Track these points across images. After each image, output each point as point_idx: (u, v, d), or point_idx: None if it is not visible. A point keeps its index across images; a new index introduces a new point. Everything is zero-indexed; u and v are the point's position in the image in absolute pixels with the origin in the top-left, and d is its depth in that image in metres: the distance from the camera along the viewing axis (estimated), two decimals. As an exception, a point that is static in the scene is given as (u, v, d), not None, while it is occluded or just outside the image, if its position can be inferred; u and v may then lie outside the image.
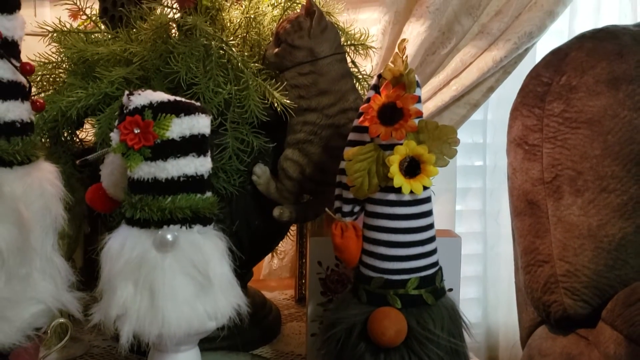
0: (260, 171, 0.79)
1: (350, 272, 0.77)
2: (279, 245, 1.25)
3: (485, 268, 1.52)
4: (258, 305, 0.93)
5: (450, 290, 0.73)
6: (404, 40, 0.62)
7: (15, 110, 0.55)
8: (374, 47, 0.87)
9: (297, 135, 0.76)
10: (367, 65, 0.95)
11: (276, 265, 1.33)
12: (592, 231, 1.04)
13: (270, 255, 1.28)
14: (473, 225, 1.51)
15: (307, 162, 0.76)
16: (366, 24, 1.20)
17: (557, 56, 1.16)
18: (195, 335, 0.61)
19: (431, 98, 1.27)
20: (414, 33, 1.23)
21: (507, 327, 1.50)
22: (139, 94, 0.59)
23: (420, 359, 0.60)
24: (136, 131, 0.58)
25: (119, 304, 0.57)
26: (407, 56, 0.61)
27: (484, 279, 1.53)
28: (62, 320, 0.78)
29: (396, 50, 0.61)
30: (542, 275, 1.10)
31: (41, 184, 0.56)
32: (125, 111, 0.59)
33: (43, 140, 0.77)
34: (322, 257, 0.77)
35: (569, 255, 1.06)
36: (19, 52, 0.56)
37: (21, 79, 0.56)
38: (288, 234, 0.96)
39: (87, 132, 0.89)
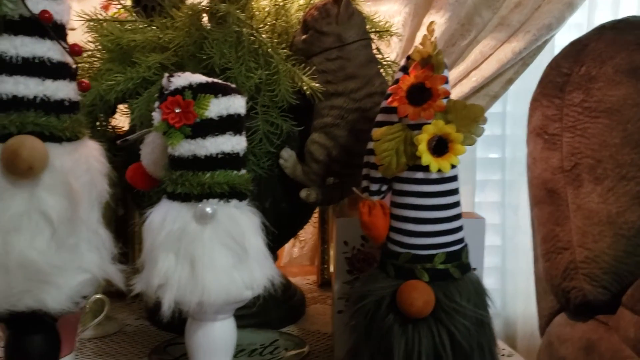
0: (287, 155, 0.81)
1: (375, 251, 0.80)
2: (301, 234, 1.28)
3: (504, 259, 1.54)
4: (284, 285, 0.95)
5: (474, 269, 0.74)
6: (432, 22, 0.64)
7: (64, 90, 0.58)
8: (399, 34, 0.90)
9: (324, 119, 0.79)
10: (388, 55, 0.97)
11: (296, 253, 1.35)
12: (611, 218, 1.05)
13: (291, 243, 1.31)
14: (492, 217, 1.53)
15: (333, 145, 0.79)
16: (386, 16, 1.22)
17: (577, 47, 1.18)
18: (233, 304, 0.64)
19: (451, 89, 1.29)
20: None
21: (525, 318, 1.52)
22: (179, 76, 0.62)
23: (447, 329, 0.62)
24: (177, 110, 0.61)
25: (160, 274, 0.59)
26: (435, 38, 0.63)
27: (503, 270, 1.54)
28: (99, 295, 0.82)
29: (425, 32, 0.63)
30: (561, 262, 1.12)
31: (87, 159, 0.60)
32: (165, 92, 0.62)
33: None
34: (348, 237, 0.79)
35: (589, 242, 1.08)
36: (66, 34, 0.60)
37: (69, 60, 0.59)
38: (311, 220, 0.99)
39: (119, 120, 0.92)
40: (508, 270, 1.54)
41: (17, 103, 0.55)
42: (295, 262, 1.33)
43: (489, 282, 1.54)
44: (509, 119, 1.50)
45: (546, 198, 1.16)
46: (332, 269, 1.11)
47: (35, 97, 0.56)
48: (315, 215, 1.11)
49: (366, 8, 0.91)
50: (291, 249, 1.33)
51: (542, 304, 1.28)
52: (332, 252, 1.10)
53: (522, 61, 1.34)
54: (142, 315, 0.96)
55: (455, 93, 1.30)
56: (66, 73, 0.58)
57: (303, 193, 0.80)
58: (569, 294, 1.11)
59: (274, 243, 0.70)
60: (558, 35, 1.34)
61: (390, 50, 1.09)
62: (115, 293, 0.86)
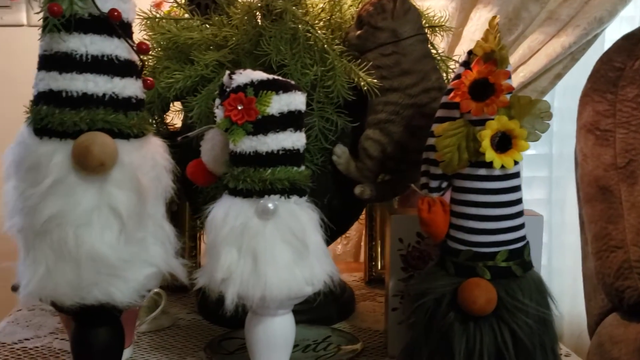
0: (340, 151, 0.81)
1: (431, 249, 0.79)
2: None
3: (550, 257, 1.52)
4: (339, 284, 0.95)
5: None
6: (495, 17, 0.63)
7: (131, 87, 0.59)
8: (452, 29, 0.89)
9: (379, 116, 0.78)
10: (442, 50, 0.97)
11: (340, 250, 1.36)
12: (668, 216, 1.03)
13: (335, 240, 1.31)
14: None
15: (388, 142, 0.78)
16: (432, 11, 1.21)
17: (630, 41, 1.15)
18: (293, 300, 0.64)
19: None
20: (482, 20, 1.23)
21: (572, 317, 1.49)
22: (241, 73, 0.63)
23: (509, 327, 0.62)
24: (239, 107, 0.61)
25: (223, 268, 0.60)
26: (499, 32, 0.62)
27: (549, 269, 1.52)
28: (156, 290, 0.83)
29: (488, 26, 0.63)
30: (615, 260, 1.10)
31: (153, 156, 0.61)
32: (227, 89, 0.63)
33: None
34: (403, 233, 0.79)
35: (644, 241, 1.05)
36: (132, 32, 0.61)
37: (135, 57, 0.60)
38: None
39: (172, 117, 0.93)
40: (554, 268, 1.51)
41: (87, 100, 0.56)
42: (339, 258, 1.33)
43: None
44: (557, 114, 1.48)
45: (598, 195, 1.13)
46: (379, 266, 1.11)
47: (104, 95, 0.57)
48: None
49: (418, 3, 0.90)
50: (335, 246, 1.33)
51: (591, 304, 1.25)
52: (380, 249, 1.10)
53: (571, 56, 1.31)
54: (194, 309, 0.97)
55: (503, 89, 1.28)
56: (133, 71, 0.59)
57: (357, 189, 0.80)
58: (623, 294, 1.08)
59: (328, 235, 0.70)
60: (608, 29, 1.31)
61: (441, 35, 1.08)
62: (167, 287, 0.87)
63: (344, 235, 1.32)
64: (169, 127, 0.94)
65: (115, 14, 0.56)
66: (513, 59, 1.29)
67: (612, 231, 1.10)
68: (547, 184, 1.49)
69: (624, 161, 1.09)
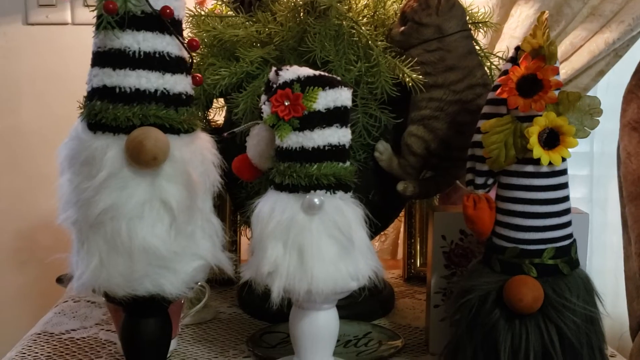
0: (383, 147, 0.81)
1: (474, 246, 0.79)
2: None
3: (591, 257, 1.49)
4: (383, 280, 0.96)
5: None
6: (543, 12, 0.62)
7: (181, 83, 0.60)
8: (497, 25, 0.88)
9: (422, 112, 0.78)
10: (485, 46, 0.96)
11: (377, 247, 1.35)
12: None
13: (372, 237, 1.32)
14: (579, 213, 1.48)
15: (432, 138, 0.78)
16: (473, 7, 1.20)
17: (678, 36, 1.12)
18: (338, 294, 0.65)
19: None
20: (522, 16, 1.22)
21: (614, 319, 1.46)
22: (287, 69, 0.63)
23: (556, 325, 0.61)
24: (286, 103, 0.62)
25: (270, 262, 0.61)
26: (548, 28, 0.61)
27: (589, 269, 1.48)
28: (200, 284, 0.84)
29: (536, 22, 0.62)
30: (659, 261, 1.07)
31: (202, 151, 0.62)
32: (274, 85, 0.64)
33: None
34: (446, 231, 0.79)
35: (691, 241, 1.03)
36: (183, 29, 0.62)
37: (185, 54, 0.61)
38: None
39: (214, 114, 0.95)
40: (595, 268, 1.49)
41: (139, 96, 0.58)
42: (376, 255, 1.33)
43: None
44: (598, 111, 1.45)
45: (643, 194, 1.11)
46: (419, 263, 1.11)
47: (156, 91, 0.58)
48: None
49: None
50: (372, 244, 1.33)
51: (633, 305, 1.23)
52: (419, 246, 1.10)
53: (614, 52, 1.28)
54: (235, 303, 0.99)
55: (544, 86, 1.26)
56: (183, 67, 0.60)
57: (400, 186, 0.80)
58: (668, 295, 1.06)
59: (372, 230, 0.71)
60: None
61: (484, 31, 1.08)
62: (209, 280, 0.89)
63: (382, 233, 1.32)
64: (211, 124, 0.95)
65: (168, 11, 0.57)
66: (555, 56, 1.27)
67: (657, 231, 1.08)
68: (589, 183, 1.47)
69: (670, 159, 1.07)
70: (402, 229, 1.20)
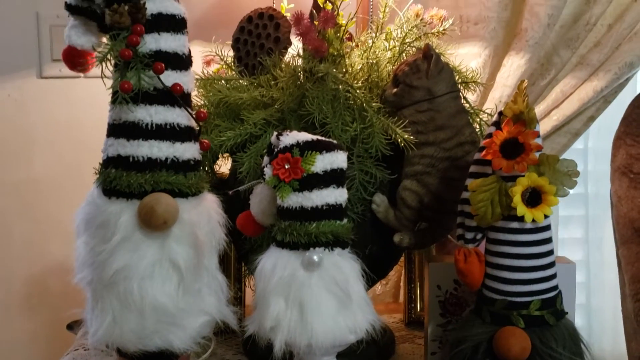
0: (380, 200, 0.86)
1: (468, 295, 0.83)
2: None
3: (589, 296, 1.52)
4: (380, 332, 0.99)
5: (566, 313, 0.76)
6: (523, 81, 0.68)
7: (190, 150, 0.65)
8: (484, 84, 0.93)
9: (415, 167, 0.83)
10: (475, 102, 1.01)
11: (380, 290, 1.39)
12: None
13: (374, 280, 1.35)
14: (576, 253, 1.51)
15: (425, 192, 0.82)
16: (467, 58, 1.25)
17: (662, 85, 1.17)
18: (337, 347, 0.68)
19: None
20: (514, 66, 1.27)
21: (614, 357, 1.48)
22: (287, 135, 0.69)
23: (544, 375, 0.65)
24: (287, 166, 0.67)
25: (272, 317, 0.65)
26: (527, 95, 0.67)
27: (588, 308, 1.52)
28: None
29: (516, 90, 0.67)
30: (652, 303, 1.10)
31: (208, 211, 0.67)
32: (275, 149, 0.69)
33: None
34: (441, 281, 0.83)
35: (681, 284, 1.06)
36: (191, 101, 0.67)
37: (193, 123, 0.66)
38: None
39: (220, 165, 0.99)
40: (594, 307, 1.51)
41: (151, 164, 0.63)
42: (378, 299, 1.36)
43: (574, 320, 1.52)
44: (591, 154, 1.50)
45: (634, 237, 1.14)
46: (419, 308, 1.14)
47: (166, 159, 0.63)
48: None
49: (452, 58, 0.95)
50: (374, 286, 1.36)
51: (632, 345, 1.25)
52: (419, 291, 1.13)
53: (603, 99, 1.34)
54: (240, 350, 1.02)
55: (536, 132, 1.31)
56: (192, 136, 0.66)
57: (397, 238, 0.84)
58: (662, 337, 1.09)
59: (369, 283, 0.75)
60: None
61: (471, 92, 1.12)
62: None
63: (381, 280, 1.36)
64: (217, 175, 1.00)
65: (178, 87, 0.63)
66: (546, 103, 1.32)
67: (649, 274, 1.11)
68: (584, 223, 1.50)
69: (659, 204, 1.11)
70: (402, 274, 1.23)
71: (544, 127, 1.32)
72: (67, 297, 1.36)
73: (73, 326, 1.18)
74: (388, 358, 0.98)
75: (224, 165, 0.99)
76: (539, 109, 1.32)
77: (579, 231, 1.51)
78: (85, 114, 1.38)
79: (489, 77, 1.31)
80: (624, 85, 1.33)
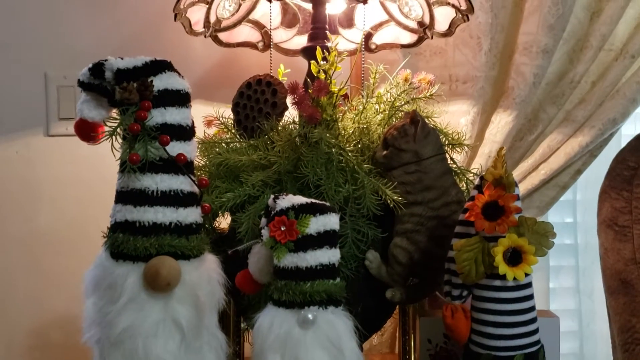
0: (372, 257, 0.90)
1: (457, 349, 0.86)
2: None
3: (582, 345, 1.54)
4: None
5: (551, 366, 0.79)
6: (502, 148, 0.73)
7: (192, 215, 0.70)
8: (470, 145, 0.99)
9: (405, 226, 0.88)
10: (462, 163, 1.06)
11: (376, 341, 1.41)
12: (689, 310, 1.07)
13: (371, 331, 1.38)
14: (567, 302, 1.54)
15: (415, 249, 0.87)
16: (456, 115, 1.31)
17: (642, 141, 1.23)
18: (331, 403, 0.72)
19: (521, 182, 1.35)
20: (502, 122, 1.33)
21: (609, 407, 1.49)
22: (283, 198, 0.74)
23: None
24: (282, 228, 0.72)
25: (269, 374, 0.68)
26: (505, 162, 0.72)
27: (581, 357, 1.54)
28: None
29: (496, 155, 0.72)
30: (641, 353, 1.13)
31: (209, 272, 0.71)
32: (272, 212, 0.73)
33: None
34: (431, 335, 0.86)
35: (667, 334, 1.09)
36: (194, 168, 0.72)
37: (196, 189, 0.71)
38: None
39: (220, 222, 1.04)
40: (586, 356, 1.53)
41: (156, 229, 0.67)
42: (375, 349, 1.39)
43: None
44: (580, 206, 1.54)
45: (620, 289, 1.18)
46: (413, 359, 1.17)
47: (170, 223, 0.68)
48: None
49: (439, 120, 1.00)
50: (372, 337, 1.38)
51: (624, 395, 1.27)
52: (413, 344, 1.16)
53: (589, 153, 1.39)
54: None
55: (525, 185, 1.36)
56: (194, 201, 0.71)
57: (389, 294, 0.88)
58: (651, 387, 1.11)
59: (361, 339, 0.78)
60: (624, 125, 1.39)
61: (459, 150, 1.18)
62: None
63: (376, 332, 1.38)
64: (216, 230, 1.04)
65: (182, 157, 0.68)
66: (534, 157, 1.38)
67: (635, 324, 1.14)
68: (575, 273, 1.54)
69: (643, 256, 1.15)
70: (398, 325, 1.26)
71: (532, 181, 1.37)
72: (69, 351, 1.39)
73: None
74: (383, 410, 1.01)
75: (223, 222, 1.04)
76: (527, 163, 1.37)
77: (570, 281, 1.54)
78: (89, 172, 1.43)
79: (478, 133, 1.37)
80: (608, 140, 1.39)
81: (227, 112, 1.05)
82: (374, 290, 0.91)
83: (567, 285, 1.54)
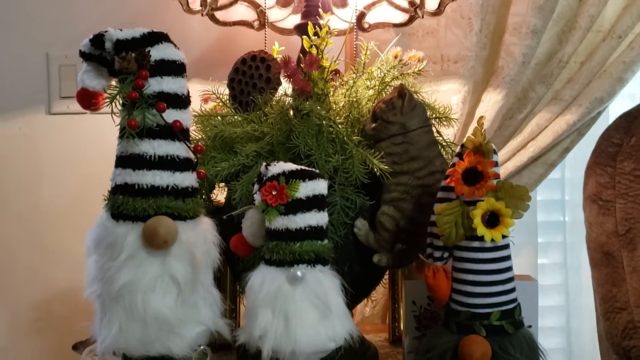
0: (361, 224, 0.94)
1: (440, 310, 0.90)
2: (373, 295, 1.39)
3: (568, 319, 1.59)
4: (359, 340, 1.07)
5: (530, 327, 0.84)
6: (482, 117, 0.77)
7: (188, 179, 0.74)
8: (456, 119, 1.02)
9: (392, 194, 0.92)
10: (449, 130, 1.10)
11: (368, 312, 1.46)
12: (667, 280, 1.11)
13: (363, 303, 1.42)
14: (555, 277, 1.59)
15: (401, 217, 0.91)
16: (447, 94, 1.35)
17: (627, 119, 1.27)
18: (319, 354, 0.76)
19: (510, 159, 1.39)
20: (492, 101, 1.37)
21: (594, 378, 1.54)
22: (274, 165, 0.78)
23: (503, 378, 0.72)
24: (274, 193, 0.76)
25: (260, 327, 0.73)
26: (485, 130, 0.76)
27: (567, 330, 1.59)
28: (202, 347, 0.96)
29: (476, 125, 0.76)
30: (620, 321, 1.18)
31: (204, 233, 0.75)
32: (264, 178, 0.77)
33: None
34: (416, 297, 0.91)
35: (646, 303, 1.14)
36: (190, 135, 0.76)
37: (191, 155, 0.75)
38: (381, 281, 1.11)
39: (216, 195, 1.08)
40: (573, 330, 1.58)
41: (154, 191, 0.72)
42: (367, 320, 1.43)
43: (554, 342, 1.58)
44: (568, 184, 1.58)
45: (603, 260, 1.23)
46: (402, 327, 1.22)
47: (167, 186, 0.72)
48: (386, 277, 1.22)
49: (426, 88, 1.04)
50: (364, 309, 1.43)
51: (607, 364, 1.32)
52: (402, 312, 1.21)
53: (577, 131, 1.42)
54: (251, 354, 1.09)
55: (514, 163, 1.39)
56: (190, 166, 0.75)
57: (375, 258, 0.92)
58: (630, 352, 1.16)
59: (351, 302, 0.82)
60: (612, 104, 1.43)
61: (453, 128, 1.21)
62: (212, 345, 1.00)
63: (372, 299, 1.43)
64: (213, 203, 1.09)
65: (178, 124, 0.72)
66: (523, 135, 1.41)
67: (616, 294, 1.19)
68: (563, 249, 1.58)
69: (624, 229, 1.19)
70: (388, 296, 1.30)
71: (521, 158, 1.41)
72: (71, 321, 1.43)
73: (78, 347, 1.25)
74: (371, 372, 1.06)
75: (220, 195, 1.08)
76: (516, 141, 1.41)
77: (558, 257, 1.58)
78: (90, 148, 1.47)
79: (469, 112, 1.41)
80: (596, 119, 1.43)
81: (223, 90, 1.08)
82: (362, 256, 0.95)
83: (555, 261, 1.59)
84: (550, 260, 1.58)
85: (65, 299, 1.48)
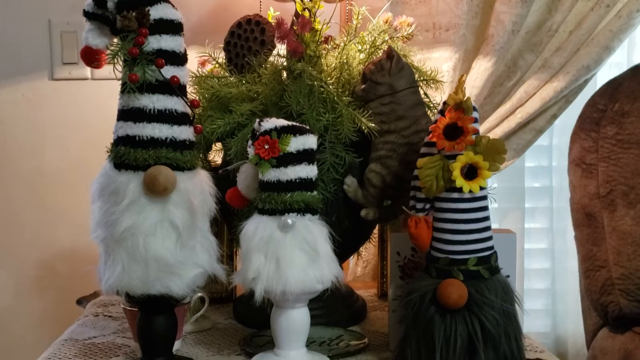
0: (350, 181, 0.99)
1: (422, 260, 0.96)
2: (363, 254, 1.45)
3: (554, 281, 1.65)
4: (348, 293, 1.13)
5: (508, 276, 0.89)
6: (463, 75, 0.81)
7: (185, 132, 0.79)
8: (443, 81, 1.07)
9: (379, 152, 0.97)
10: (439, 96, 1.14)
11: (360, 272, 1.52)
12: (643, 238, 1.16)
13: (354, 262, 1.48)
14: (541, 242, 1.64)
15: (387, 173, 0.96)
16: (439, 61, 1.39)
17: (612, 86, 1.31)
18: (307, 294, 0.82)
19: (499, 125, 1.44)
20: (482, 68, 1.40)
21: (576, 336, 1.61)
22: (267, 121, 0.82)
23: (478, 318, 0.78)
24: (266, 147, 0.80)
25: (254, 269, 0.78)
26: (465, 87, 0.80)
27: (553, 292, 1.65)
28: (200, 294, 1.01)
29: (457, 82, 0.81)
30: (599, 279, 1.24)
31: (201, 184, 0.80)
32: (257, 133, 0.82)
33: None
34: (401, 248, 0.96)
35: (623, 260, 1.19)
36: (187, 91, 0.81)
37: (189, 110, 0.80)
38: (370, 240, 1.16)
39: (213, 155, 1.13)
40: (558, 291, 1.64)
41: (153, 142, 0.76)
42: (358, 279, 1.50)
43: (541, 303, 1.65)
44: (555, 150, 1.63)
45: (585, 221, 1.28)
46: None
47: (166, 138, 0.77)
48: (376, 235, 1.28)
49: (418, 57, 1.08)
50: (355, 268, 1.49)
51: (587, 321, 1.38)
52: (390, 268, 1.27)
53: (565, 98, 1.47)
54: (231, 316, 1.15)
55: (502, 129, 1.44)
56: (187, 120, 0.79)
57: (363, 212, 0.98)
58: (607, 308, 1.22)
59: (340, 257, 0.88)
60: (600, 73, 1.46)
61: (441, 93, 1.26)
62: (210, 297, 1.06)
63: (363, 260, 1.49)
64: (211, 164, 1.14)
65: (175, 79, 0.76)
66: (511, 102, 1.45)
67: (596, 252, 1.25)
68: (549, 214, 1.63)
69: (605, 191, 1.24)
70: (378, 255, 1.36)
71: (509, 124, 1.45)
72: (74, 280, 1.49)
73: (82, 301, 1.31)
74: (360, 321, 1.12)
75: (217, 157, 1.13)
76: (505, 108, 1.45)
77: (544, 221, 1.64)
78: (92, 113, 1.52)
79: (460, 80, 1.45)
80: (583, 87, 1.47)
81: (219, 53, 1.12)
82: (351, 212, 1.00)
83: (542, 226, 1.64)
84: (537, 225, 1.64)
85: (68, 258, 1.54)
